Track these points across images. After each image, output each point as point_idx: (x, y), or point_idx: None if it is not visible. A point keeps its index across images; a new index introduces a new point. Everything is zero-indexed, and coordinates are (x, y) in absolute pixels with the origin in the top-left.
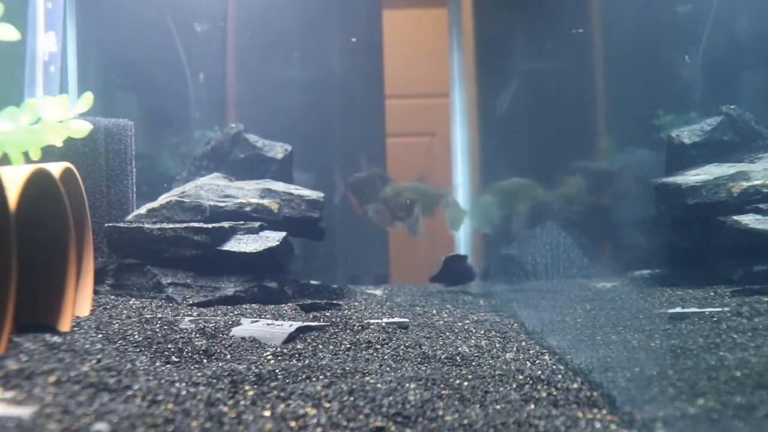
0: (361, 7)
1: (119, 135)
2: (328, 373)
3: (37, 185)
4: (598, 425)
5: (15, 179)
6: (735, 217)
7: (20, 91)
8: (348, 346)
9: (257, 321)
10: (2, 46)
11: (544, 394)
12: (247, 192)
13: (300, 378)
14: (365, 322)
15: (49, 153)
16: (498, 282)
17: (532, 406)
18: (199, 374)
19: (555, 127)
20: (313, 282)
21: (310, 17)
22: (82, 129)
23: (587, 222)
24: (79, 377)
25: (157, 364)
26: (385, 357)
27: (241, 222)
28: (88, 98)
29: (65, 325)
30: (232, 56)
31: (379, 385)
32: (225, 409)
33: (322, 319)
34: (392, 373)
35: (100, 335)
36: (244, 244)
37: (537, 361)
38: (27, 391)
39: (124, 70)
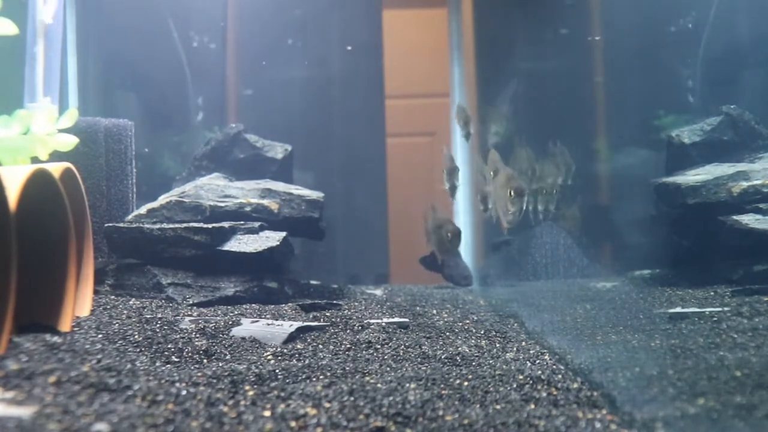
0: (361, 7)
1: (119, 135)
2: (329, 373)
3: (37, 185)
4: (598, 425)
5: (15, 179)
6: (735, 217)
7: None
8: (348, 346)
9: (257, 321)
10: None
11: (544, 394)
12: (247, 192)
13: (300, 378)
14: (365, 322)
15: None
16: (497, 282)
17: (533, 406)
18: (199, 374)
19: (555, 127)
20: (313, 282)
21: (310, 17)
22: (68, 143)
23: (587, 222)
24: (79, 377)
25: (157, 364)
26: (386, 357)
27: (241, 222)
28: (73, 114)
29: (65, 325)
30: (232, 56)
31: (379, 385)
32: (225, 409)
33: (322, 319)
34: (392, 373)
35: (100, 335)
36: (244, 244)
37: (537, 361)
38: (27, 391)
39: (124, 70)
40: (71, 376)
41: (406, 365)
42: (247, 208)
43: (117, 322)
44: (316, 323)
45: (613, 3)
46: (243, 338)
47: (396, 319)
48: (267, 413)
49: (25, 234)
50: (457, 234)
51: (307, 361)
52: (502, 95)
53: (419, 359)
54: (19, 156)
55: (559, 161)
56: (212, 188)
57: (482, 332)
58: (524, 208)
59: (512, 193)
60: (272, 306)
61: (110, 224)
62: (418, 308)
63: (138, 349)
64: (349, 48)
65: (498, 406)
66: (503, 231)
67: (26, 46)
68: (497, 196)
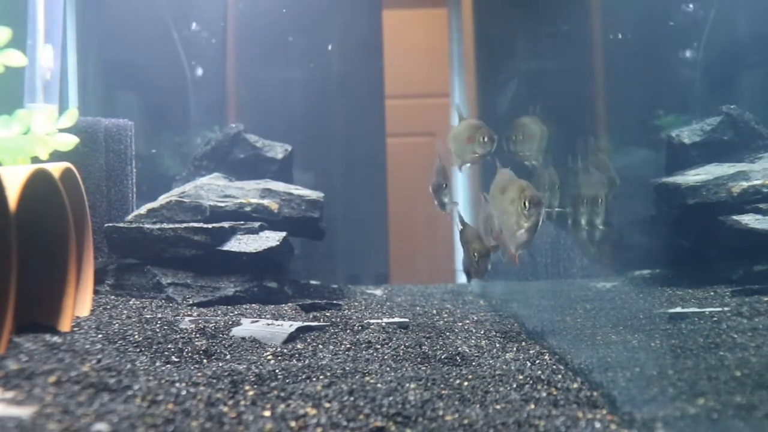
0: (361, 7)
1: (119, 135)
2: (328, 373)
3: (37, 185)
4: (598, 425)
5: (15, 179)
6: (735, 217)
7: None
8: (348, 346)
9: (257, 321)
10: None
11: (544, 394)
12: (247, 192)
13: (300, 378)
14: (365, 322)
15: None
16: (498, 280)
17: (532, 406)
18: (199, 374)
19: (555, 127)
20: (313, 282)
21: (310, 17)
22: (68, 142)
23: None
24: (79, 377)
25: (157, 364)
26: (385, 357)
27: (241, 222)
28: (73, 114)
29: (65, 325)
30: (232, 56)
31: (379, 385)
32: (225, 409)
33: (322, 319)
34: (392, 373)
35: (100, 335)
36: (244, 244)
37: (537, 361)
38: (27, 391)
39: (124, 70)
40: (71, 376)
41: (406, 365)
42: (247, 208)
43: (117, 322)
44: (316, 323)
45: (613, 3)
46: (243, 338)
47: (396, 319)
48: (267, 413)
49: (25, 234)
50: (484, 254)
51: (307, 361)
52: (502, 95)
53: (419, 359)
54: (19, 156)
55: (599, 176)
56: (212, 188)
57: (482, 332)
58: (539, 225)
59: (527, 204)
60: (272, 306)
61: (110, 224)
62: (418, 308)
63: (138, 349)
64: (330, 47)
65: (498, 406)
66: (513, 262)
67: (26, 48)
68: (506, 213)
